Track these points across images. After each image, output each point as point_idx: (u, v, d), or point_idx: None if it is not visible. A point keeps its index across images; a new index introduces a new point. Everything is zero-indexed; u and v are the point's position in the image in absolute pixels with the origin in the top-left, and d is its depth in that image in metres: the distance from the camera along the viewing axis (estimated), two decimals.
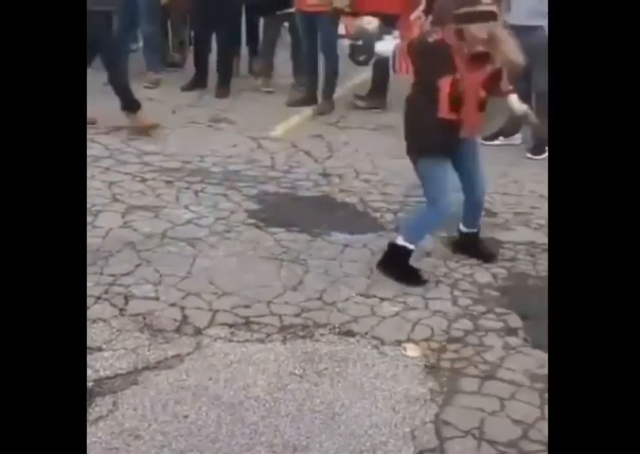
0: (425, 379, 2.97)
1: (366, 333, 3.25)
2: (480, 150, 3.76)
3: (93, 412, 2.67)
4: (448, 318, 3.38)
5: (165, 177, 4.72)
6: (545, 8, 5.01)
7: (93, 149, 5.00)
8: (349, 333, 3.25)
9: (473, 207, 3.85)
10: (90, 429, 2.59)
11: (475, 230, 3.94)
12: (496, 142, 5.53)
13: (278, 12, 6.32)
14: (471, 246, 3.93)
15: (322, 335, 3.23)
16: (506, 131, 5.57)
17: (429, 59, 3.44)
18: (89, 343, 3.02)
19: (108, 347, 3.02)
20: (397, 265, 3.70)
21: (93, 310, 3.26)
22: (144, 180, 4.65)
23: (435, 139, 3.48)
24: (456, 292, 3.60)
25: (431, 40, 3.46)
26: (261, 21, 6.79)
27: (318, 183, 4.80)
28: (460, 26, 3.31)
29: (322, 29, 5.92)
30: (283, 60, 6.84)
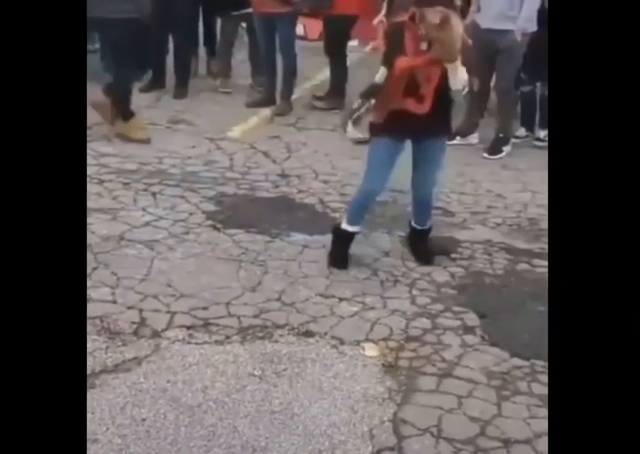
0: (383, 378, 2.99)
1: (325, 333, 3.27)
2: (443, 154, 3.76)
3: None
4: (406, 317, 3.41)
5: (122, 179, 4.68)
6: (514, 13, 5.11)
7: None
8: (308, 333, 3.26)
9: (418, 205, 3.87)
10: None
11: (422, 227, 3.92)
12: (454, 142, 5.59)
13: (236, 13, 6.30)
14: (417, 243, 3.95)
15: (281, 336, 3.24)
16: (463, 131, 5.64)
17: (389, 40, 3.58)
18: None
19: None
20: (334, 248, 3.82)
21: None
22: (101, 182, 4.61)
23: (385, 119, 3.55)
24: (415, 291, 3.64)
25: (395, 21, 3.61)
26: (219, 21, 6.77)
27: (277, 183, 4.80)
28: (416, 9, 3.36)
29: (280, 30, 5.92)
30: (241, 60, 6.83)
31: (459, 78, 3.49)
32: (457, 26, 3.35)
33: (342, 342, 3.21)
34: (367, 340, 3.24)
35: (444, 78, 3.46)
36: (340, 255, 3.82)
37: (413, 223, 3.95)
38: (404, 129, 3.56)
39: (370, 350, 3.17)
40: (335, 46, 6.17)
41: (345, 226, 3.82)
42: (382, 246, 4.05)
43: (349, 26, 6.19)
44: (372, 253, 3.98)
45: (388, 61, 3.49)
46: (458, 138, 5.61)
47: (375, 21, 5.82)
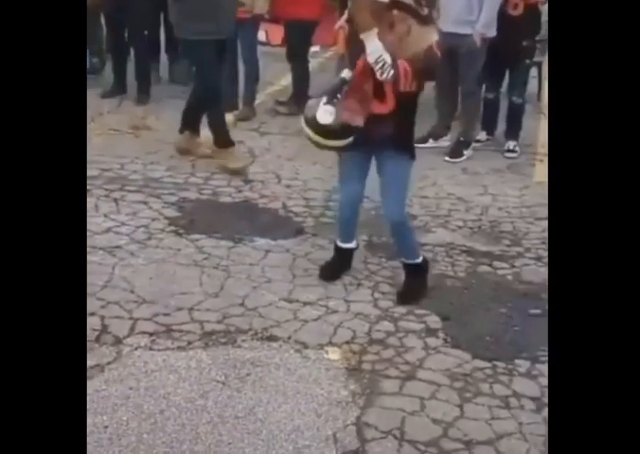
0: (347, 382, 3.01)
1: (289, 337, 3.27)
2: (399, 171, 3.51)
3: None
4: (369, 320, 3.43)
5: None
6: (473, 18, 5.18)
7: None
8: (272, 338, 3.26)
9: (391, 234, 3.67)
10: None
11: (408, 261, 3.68)
12: (427, 145, 5.64)
13: None
14: (407, 279, 3.72)
15: (244, 341, 3.23)
16: (436, 134, 5.69)
17: (349, 43, 3.59)
18: None
19: None
20: (331, 262, 3.84)
21: None
22: None
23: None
24: (377, 294, 3.66)
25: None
26: None
27: (240, 189, 4.80)
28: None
29: (242, 36, 5.92)
30: None
31: (371, 49, 3.21)
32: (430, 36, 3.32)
33: (305, 346, 3.22)
34: (331, 343, 3.25)
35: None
36: (331, 269, 3.79)
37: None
38: (369, 137, 3.42)
39: (333, 354, 3.18)
40: (297, 52, 6.19)
41: (340, 244, 3.79)
42: None
43: (310, 31, 6.21)
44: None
45: (352, 63, 3.48)
46: (431, 141, 5.66)
47: (336, 26, 5.84)
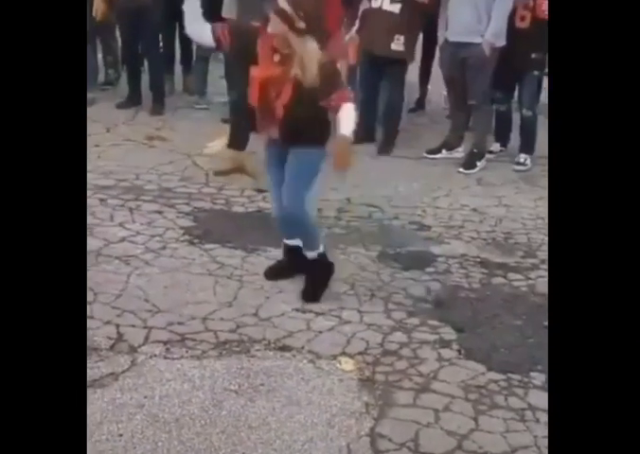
0: (360, 393, 3.00)
1: (302, 348, 3.27)
2: (298, 165, 3.52)
3: None
4: (382, 331, 3.43)
5: (99, 195, 4.66)
6: (481, 27, 5.19)
7: None
8: (285, 348, 3.27)
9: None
10: None
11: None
12: (439, 155, 5.65)
13: None
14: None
15: (258, 350, 3.24)
16: (449, 145, 5.70)
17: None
18: None
19: None
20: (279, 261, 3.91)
21: None
22: None
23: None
24: (391, 305, 3.66)
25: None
26: None
27: (253, 199, 4.81)
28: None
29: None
30: (218, 77, 6.85)
31: (350, 122, 3.35)
32: (310, 49, 3.30)
33: (318, 357, 3.22)
34: (344, 354, 3.25)
35: (298, 95, 3.35)
36: (281, 269, 3.84)
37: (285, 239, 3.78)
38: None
39: (347, 364, 3.18)
40: None
41: (285, 241, 3.82)
42: (359, 261, 4.07)
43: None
44: (348, 267, 3.99)
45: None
46: (444, 152, 5.67)
47: (346, 37, 5.89)
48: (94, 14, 6.15)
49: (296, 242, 3.77)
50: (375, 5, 5.52)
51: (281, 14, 3.29)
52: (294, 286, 3.77)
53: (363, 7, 5.65)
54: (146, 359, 3.11)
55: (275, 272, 3.83)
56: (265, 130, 3.55)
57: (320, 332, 3.40)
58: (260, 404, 2.90)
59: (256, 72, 3.39)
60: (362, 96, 5.92)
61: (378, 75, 5.72)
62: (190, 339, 3.28)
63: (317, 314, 3.53)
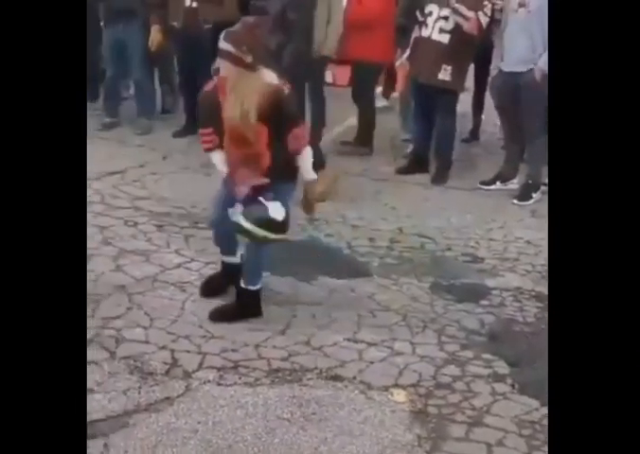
0: (412, 425, 2.99)
1: (354, 378, 3.28)
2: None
3: None
4: (435, 364, 3.42)
5: (156, 221, 4.76)
6: (535, 56, 5.19)
7: None
8: (337, 378, 3.28)
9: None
10: None
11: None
12: (493, 187, 5.63)
13: None
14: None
15: (310, 379, 3.25)
16: (504, 176, 5.68)
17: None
18: None
19: (99, 389, 3.04)
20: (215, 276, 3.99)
21: None
22: (135, 224, 4.70)
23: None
24: (444, 338, 3.64)
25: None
26: None
27: (304, 227, 4.86)
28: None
29: (309, 77, 6.05)
30: None
31: (309, 166, 3.51)
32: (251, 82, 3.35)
33: (370, 387, 3.22)
34: (396, 385, 3.24)
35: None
36: (215, 286, 3.90)
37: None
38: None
39: (399, 396, 3.18)
40: (364, 93, 6.29)
41: (222, 257, 3.91)
42: (411, 292, 4.07)
43: (378, 72, 6.32)
44: (401, 298, 4.00)
45: None
46: (498, 183, 5.64)
47: (397, 63, 5.96)
48: (149, 44, 6.33)
49: (234, 260, 3.85)
50: (425, 34, 5.59)
51: (226, 56, 3.37)
52: (347, 314, 3.79)
53: (415, 34, 5.72)
54: (200, 385, 3.15)
55: (210, 288, 3.88)
56: (245, 181, 3.46)
57: (372, 362, 3.40)
58: (312, 433, 2.91)
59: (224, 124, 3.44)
60: (415, 125, 5.97)
61: (430, 105, 5.75)
62: (243, 366, 3.31)
63: (369, 345, 3.54)
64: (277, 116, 3.38)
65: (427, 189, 5.62)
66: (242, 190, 3.43)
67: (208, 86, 3.59)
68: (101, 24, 6.48)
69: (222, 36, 3.43)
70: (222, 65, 3.43)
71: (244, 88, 3.37)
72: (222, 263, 3.93)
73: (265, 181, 3.43)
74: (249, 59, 3.35)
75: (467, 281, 4.16)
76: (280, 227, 3.47)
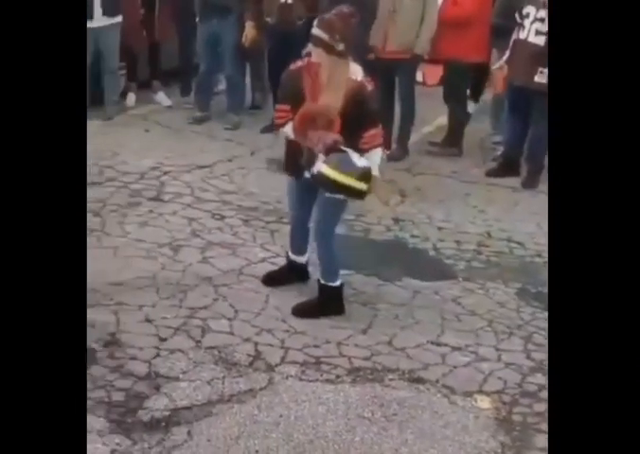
0: (496, 432, 2.94)
1: (437, 381, 3.24)
2: (327, 211, 3.64)
3: (169, 441, 2.73)
4: (521, 371, 3.34)
5: (242, 215, 4.82)
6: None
7: (175, 187, 5.17)
8: (419, 380, 3.25)
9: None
10: None
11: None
12: None
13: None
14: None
15: (391, 380, 3.23)
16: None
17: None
18: (168, 373, 3.12)
19: (185, 378, 3.10)
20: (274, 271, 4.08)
21: (171, 341, 3.36)
22: (222, 217, 4.77)
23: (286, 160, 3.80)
24: (530, 345, 3.56)
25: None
26: None
27: (390, 227, 4.83)
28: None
29: (400, 76, 6.01)
30: None
31: (376, 166, 3.51)
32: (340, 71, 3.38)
33: (453, 392, 3.18)
34: (480, 391, 3.19)
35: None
36: (274, 279, 3.95)
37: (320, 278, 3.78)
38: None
39: (483, 402, 3.12)
40: (455, 93, 6.21)
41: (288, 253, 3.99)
42: (498, 297, 3.99)
43: (470, 72, 6.22)
44: (486, 303, 3.93)
45: None
46: None
47: (495, 66, 5.84)
48: (243, 40, 6.40)
49: (301, 259, 3.93)
50: (522, 36, 5.49)
51: (318, 43, 3.38)
52: (431, 317, 3.75)
53: (514, 36, 5.61)
54: (282, 379, 3.17)
55: (276, 279, 3.93)
56: (321, 138, 3.43)
57: (455, 367, 3.35)
58: (393, 434, 2.89)
59: (304, 108, 3.46)
60: (508, 128, 5.86)
61: (525, 108, 5.62)
62: (325, 363, 3.32)
63: (453, 349, 3.49)
64: (356, 112, 3.39)
65: (517, 193, 5.50)
66: (320, 147, 3.41)
67: (294, 65, 3.61)
68: (196, 19, 6.60)
69: (315, 22, 3.47)
70: (313, 51, 3.46)
71: (339, 78, 3.40)
72: (289, 260, 3.98)
73: (339, 137, 3.41)
74: (341, 47, 3.37)
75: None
76: (363, 175, 3.37)
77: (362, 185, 3.38)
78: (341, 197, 3.52)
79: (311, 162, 3.47)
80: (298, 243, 3.93)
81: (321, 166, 3.37)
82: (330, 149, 3.37)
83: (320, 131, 3.41)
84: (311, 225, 3.81)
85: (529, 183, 5.62)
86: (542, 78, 5.39)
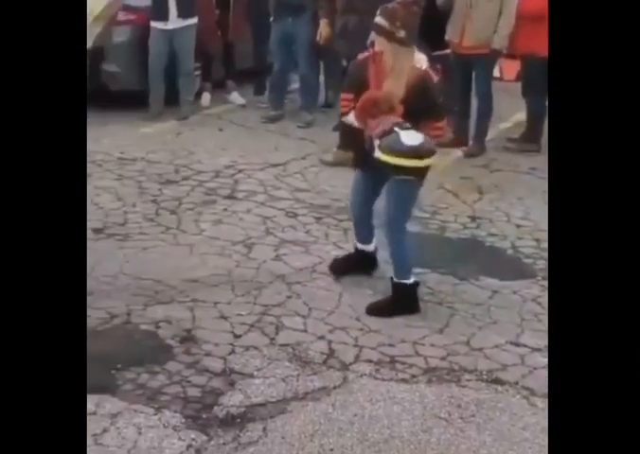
0: None
1: (516, 383, 3.16)
2: (396, 198, 3.61)
3: (244, 437, 2.74)
4: None
5: (315, 213, 4.81)
6: None
7: (249, 185, 5.20)
8: (497, 381, 3.17)
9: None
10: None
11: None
12: None
13: (433, 54, 6.35)
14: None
15: (468, 380, 3.16)
16: None
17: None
18: (242, 369, 3.13)
19: (259, 374, 3.10)
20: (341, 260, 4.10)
21: (246, 338, 3.37)
22: (295, 215, 4.77)
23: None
24: None
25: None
26: None
27: (467, 225, 4.74)
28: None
29: (478, 71, 5.90)
30: None
31: None
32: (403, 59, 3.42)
33: (533, 394, 3.08)
34: None
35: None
36: (341, 267, 3.97)
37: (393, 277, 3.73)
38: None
39: None
40: (534, 88, 6.05)
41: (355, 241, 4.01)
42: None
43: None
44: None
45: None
46: None
47: None
48: (318, 38, 6.39)
49: (369, 248, 3.94)
50: None
51: (380, 31, 3.41)
52: (508, 318, 3.65)
53: None
54: (356, 378, 3.13)
55: (342, 267, 3.95)
56: (380, 122, 3.46)
57: (535, 368, 3.25)
58: (471, 435, 2.82)
59: (366, 94, 3.46)
60: None
61: None
62: (400, 362, 3.27)
63: (533, 349, 3.39)
64: (419, 101, 3.40)
65: None
66: (378, 131, 3.42)
67: (361, 55, 3.65)
68: (270, 19, 6.64)
69: (378, 11, 3.50)
70: (376, 40, 3.50)
71: (402, 66, 3.42)
72: (356, 250, 3.98)
73: (400, 119, 3.43)
74: (402, 34, 3.39)
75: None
76: (414, 152, 3.37)
77: (416, 162, 3.40)
78: (405, 178, 3.50)
79: (372, 149, 3.47)
80: (364, 234, 3.95)
81: (377, 153, 3.41)
82: (385, 133, 3.38)
83: (380, 117, 3.42)
84: (381, 221, 3.76)
85: None
86: None
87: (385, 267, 3.92)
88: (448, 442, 2.78)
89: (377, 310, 3.65)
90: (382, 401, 3.00)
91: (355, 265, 3.98)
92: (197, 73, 7.02)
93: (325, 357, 3.27)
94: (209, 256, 4.13)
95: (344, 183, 5.32)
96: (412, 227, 4.60)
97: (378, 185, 3.72)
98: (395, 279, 3.69)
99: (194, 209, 4.74)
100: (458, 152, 6.07)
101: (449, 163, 5.90)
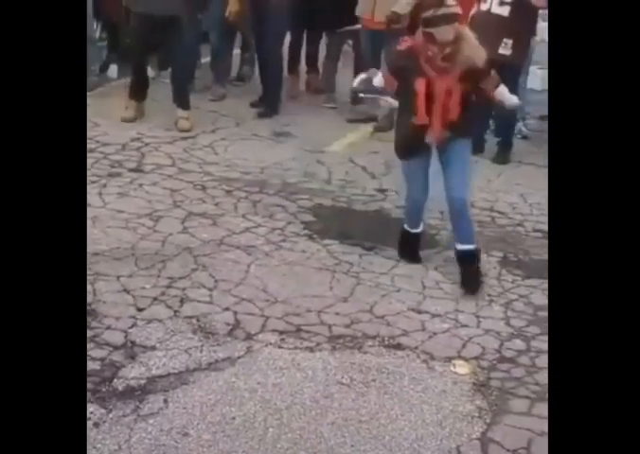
0: (474, 397, 2.95)
1: (416, 347, 3.25)
2: (463, 156, 3.77)
3: (144, 409, 2.73)
4: (500, 337, 3.35)
5: (224, 186, 4.79)
6: None
7: (156, 158, 5.12)
8: (399, 347, 3.25)
9: (452, 217, 3.82)
10: (140, 425, 2.66)
11: (468, 247, 3.77)
12: None
13: (342, 29, 6.37)
14: (462, 267, 3.79)
15: (371, 347, 3.24)
16: None
17: (401, 67, 3.71)
18: (144, 342, 3.10)
19: (162, 347, 3.09)
20: (404, 247, 4.05)
21: (149, 311, 3.34)
22: (204, 188, 4.73)
23: (406, 145, 3.82)
24: (510, 313, 3.56)
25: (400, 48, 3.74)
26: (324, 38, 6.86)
27: (375, 198, 4.81)
28: (427, 30, 3.50)
29: (388, 46, 5.95)
30: (346, 76, 6.88)
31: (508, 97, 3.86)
32: (469, 36, 3.56)
33: (432, 358, 3.18)
34: (459, 357, 3.19)
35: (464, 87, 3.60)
36: (410, 253, 4.02)
37: (456, 244, 3.82)
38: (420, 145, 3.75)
39: (461, 368, 3.13)
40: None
41: (407, 228, 4.02)
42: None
43: None
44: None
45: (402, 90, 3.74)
46: None
47: None
48: (227, 14, 6.30)
49: (421, 229, 4.03)
50: (484, 7, 5.38)
51: (455, 17, 3.51)
52: (410, 286, 3.74)
53: (474, 9, 5.53)
54: (261, 347, 3.16)
55: (413, 257, 4.01)
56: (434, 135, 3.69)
57: (435, 333, 3.36)
58: (371, 399, 2.90)
59: (421, 85, 3.56)
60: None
61: None
62: (305, 330, 3.31)
63: (433, 315, 3.49)
64: (477, 78, 3.62)
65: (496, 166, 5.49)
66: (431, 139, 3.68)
67: (403, 45, 3.72)
68: None
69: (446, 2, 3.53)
70: (441, 31, 3.46)
71: (464, 46, 3.52)
72: (409, 233, 4.02)
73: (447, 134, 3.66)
74: (458, 10, 3.54)
75: (537, 257, 4.04)
76: None
77: None
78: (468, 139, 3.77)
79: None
80: (419, 218, 4.02)
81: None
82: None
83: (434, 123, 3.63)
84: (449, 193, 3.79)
85: (501, 160, 5.59)
86: (505, 49, 5.31)
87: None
88: (348, 406, 2.85)
89: (477, 284, 3.73)
90: (286, 369, 3.04)
91: (416, 246, 4.05)
92: (103, 43, 6.84)
93: (230, 328, 3.28)
94: (113, 229, 4.06)
95: (254, 156, 5.33)
96: (323, 200, 4.67)
97: (428, 168, 3.86)
98: (470, 246, 3.76)
99: (98, 182, 4.64)
100: (368, 127, 6.13)
101: (359, 137, 5.97)
